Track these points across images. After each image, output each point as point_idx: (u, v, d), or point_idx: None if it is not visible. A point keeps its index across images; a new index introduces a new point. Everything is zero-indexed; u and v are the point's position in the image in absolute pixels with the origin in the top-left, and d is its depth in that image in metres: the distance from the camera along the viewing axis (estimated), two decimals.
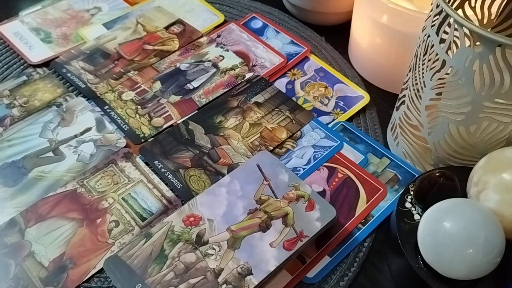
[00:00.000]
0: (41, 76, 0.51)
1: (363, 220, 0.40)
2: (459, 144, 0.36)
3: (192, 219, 0.37)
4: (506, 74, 0.30)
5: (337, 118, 0.47)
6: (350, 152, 0.44)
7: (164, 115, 0.47)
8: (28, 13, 0.57)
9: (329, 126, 0.46)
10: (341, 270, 0.37)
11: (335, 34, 0.56)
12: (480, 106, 0.33)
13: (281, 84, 0.50)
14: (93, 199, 0.41)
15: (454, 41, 0.33)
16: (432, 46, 0.34)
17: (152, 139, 0.45)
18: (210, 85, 0.50)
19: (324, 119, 0.47)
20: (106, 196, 0.41)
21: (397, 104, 0.43)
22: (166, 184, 0.42)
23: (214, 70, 0.51)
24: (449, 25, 0.32)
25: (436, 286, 0.32)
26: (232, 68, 0.51)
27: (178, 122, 0.47)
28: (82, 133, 0.45)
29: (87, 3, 0.59)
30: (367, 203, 0.40)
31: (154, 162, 0.43)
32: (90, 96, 0.49)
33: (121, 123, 0.46)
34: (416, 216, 0.36)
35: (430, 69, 0.35)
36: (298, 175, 0.42)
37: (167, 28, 0.56)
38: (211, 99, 0.48)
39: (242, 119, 0.46)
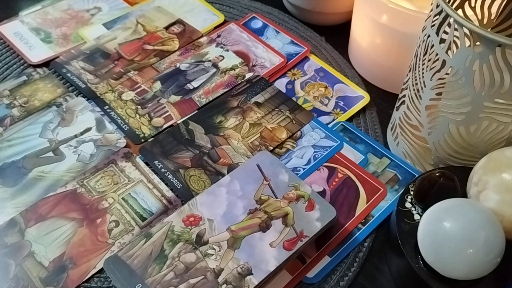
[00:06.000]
0: (41, 76, 0.51)
1: (363, 220, 0.40)
2: (459, 144, 0.36)
3: (192, 219, 0.37)
4: (506, 74, 0.30)
5: (337, 118, 0.47)
6: (350, 152, 0.44)
7: (164, 115, 0.47)
8: (28, 13, 0.57)
9: (329, 126, 0.46)
10: (341, 270, 0.37)
11: (335, 34, 0.56)
12: (480, 106, 0.33)
13: (281, 84, 0.50)
14: (93, 199, 0.41)
15: (454, 41, 0.33)
16: (432, 46, 0.34)
17: (152, 139, 0.45)
18: (210, 85, 0.50)
19: (324, 119, 0.47)
20: (106, 196, 0.41)
21: (397, 104, 0.43)
22: (166, 184, 0.42)
23: (214, 70, 0.51)
24: (449, 25, 0.32)
25: (436, 286, 0.32)
26: (232, 68, 0.51)
27: (178, 122, 0.47)
28: (82, 133, 0.45)
29: (87, 3, 0.59)
30: (367, 203, 0.40)
31: (154, 162, 0.43)
32: (90, 96, 0.49)
33: (121, 123, 0.46)
34: (416, 216, 0.36)
35: (430, 69, 0.35)
36: (298, 175, 0.42)
37: (167, 28, 0.56)
38: (211, 99, 0.48)
39: (242, 119, 0.46)
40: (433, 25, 0.33)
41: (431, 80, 0.35)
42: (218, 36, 0.55)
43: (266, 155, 0.41)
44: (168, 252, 0.35)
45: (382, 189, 0.41)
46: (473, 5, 0.39)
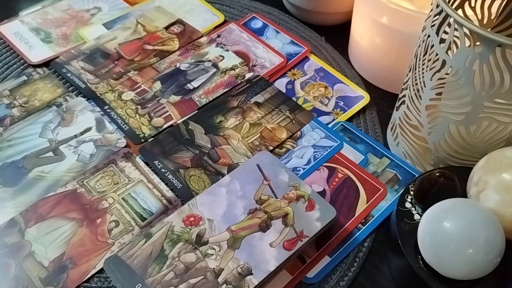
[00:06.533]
0: (41, 76, 0.51)
1: (363, 220, 0.40)
2: (459, 144, 0.36)
3: (192, 219, 0.37)
4: (506, 74, 0.30)
5: (337, 118, 0.47)
6: (350, 152, 0.44)
7: (164, 115, 0.47)
8: (28, 13, 0.57)
9: (329, 126, 0.46)
10: (341, 270, 0.37)
11: (335, 34, 0.56)
12: (480, 106, 0.33)
13: (281, 84, 0.50)
14: (93, 199, 0.41)
15: (454, 41, 0.33)
16: (432, 46, 0.34)
17: (152, 139, 0.45)
18: (210, 85, 0.50)
19: (324, 119, 0.47)
20: (106, 196, 0.41)
21: (397, 104, 0.43)
22: (166, 184, 0.42)
23: (214, 70, 0.51)
24: (449, 25, 0.32)
25: (436, 286, 0.32)
26: (232, 68, 0.51)
27: (178, 122, 0.47)
28: (82, 133, 0.45)
29: (87, 3, 0.59)
30: (367, 203, 0.40)
31: (154, 162, 0.43)
32: (90, 96, 0.49)
33: (121, 123, 0.46)
34: (416, 216, 0.36)
35: (430, 69, 0.35)
36: (298, 175, 0.42)
37: (167, 28, 0.56)
38: (211, 99, 0.48)
39: (242, 119, 0.46)
40: (433, 25, 0.33)
41: (431, 80, 0.35)
42: (218, 36, 0.55)
43: (266, 155, 0.41)
44: (168, 252, 0.35)
45: (382, 189, 0.41)
46: (473, 5, 0.39)
